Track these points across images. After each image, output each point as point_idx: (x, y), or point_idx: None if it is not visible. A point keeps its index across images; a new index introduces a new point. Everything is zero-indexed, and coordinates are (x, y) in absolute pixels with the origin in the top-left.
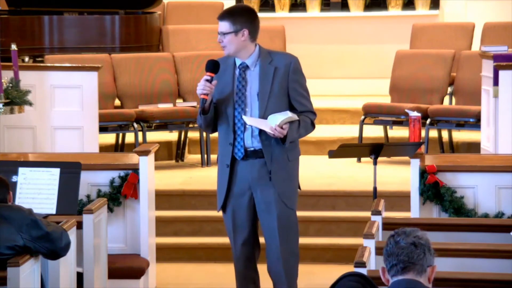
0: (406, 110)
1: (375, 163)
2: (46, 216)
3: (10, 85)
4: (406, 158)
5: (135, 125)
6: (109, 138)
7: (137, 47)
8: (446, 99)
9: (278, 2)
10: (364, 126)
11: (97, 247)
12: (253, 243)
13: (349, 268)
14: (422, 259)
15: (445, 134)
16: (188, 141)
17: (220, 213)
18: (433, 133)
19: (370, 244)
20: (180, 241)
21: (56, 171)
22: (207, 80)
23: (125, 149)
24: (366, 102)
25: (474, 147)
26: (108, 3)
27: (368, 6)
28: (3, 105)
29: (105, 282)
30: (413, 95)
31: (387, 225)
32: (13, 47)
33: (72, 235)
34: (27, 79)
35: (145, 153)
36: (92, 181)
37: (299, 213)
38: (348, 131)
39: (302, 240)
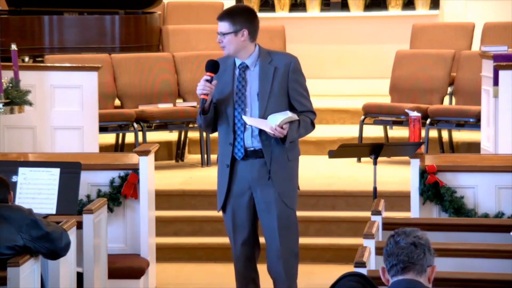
0: (406, 110)
1: (375, 163)
2: (46, 216)
3: (10, 85)
4: (406, 158)
5: (135, 125)
6: (109, 138)
7: (137, 47)
8: (446, 99)
9: (278, 2)
10: (364, 126)
11: (97, 247)
12: (253, 243)
13: (349, 268)
14: (422, 259)
15: (445, 134)
16: (188, 141)
17: (220, 213)
18: (433, 133)
19: (370, 244)
20: (180, 241)
21: (56, 171)
22: (207, 80)
23: (125, 149)
24: (366, 102)
25: (474, 147)
26: (108, 3)
27: (368, 6)
28: (3, 105)
29: (105, 282)
30: (413, 95)
31: (387, 225)
32: (13, 47)
33: (72, 235)
34: (27, 79)
35: (145, 153)
36: (92, 181)
37: (299, 213)
38: (348, 131)
39: (302, 240)
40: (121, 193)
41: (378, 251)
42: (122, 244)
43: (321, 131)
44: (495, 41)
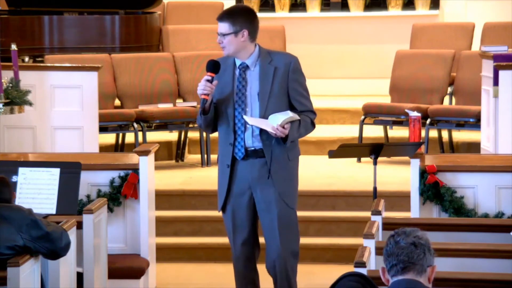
0: (406, 110)
1: (375, 163)
2: (46, 216)
3: (10, 85)
4: (406, 158)
5: (135, 125)
6: (109, 138)
7: (137, 47)
8: (446, 99)
9: (278, 2)
10: (364, 126)
11: (97, 247)
12: (253, 243)
13: (349, 268)
14: (422, 259)
15: (445, 134)
16: (188, 141)
17: (220, 213)
18: (433, 133)
19: (370, 244)
20: (180, 241)
21: (56, 171)
22: (207, 80)
23: (125, 149)
24: (366, 102)
25: (474, 147)
26: (108, 3)
27: (368, 6)
28: (3, 105)
29: (105, 282)
30: (413, 95)
31: (387, 225)
32: (13, 47)
33: (72, 235)
34: (27, 79)
35: (145, 153)
36: (92, 181)
37: (299, 213)
38: (348, 131)
39: (302, 240)
40: (121, 193)
41: (378, 251)
42: (122, 244)
43: (321, 131)
44: (495, 41)
